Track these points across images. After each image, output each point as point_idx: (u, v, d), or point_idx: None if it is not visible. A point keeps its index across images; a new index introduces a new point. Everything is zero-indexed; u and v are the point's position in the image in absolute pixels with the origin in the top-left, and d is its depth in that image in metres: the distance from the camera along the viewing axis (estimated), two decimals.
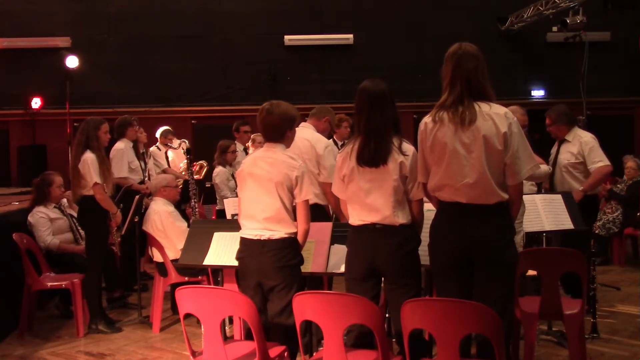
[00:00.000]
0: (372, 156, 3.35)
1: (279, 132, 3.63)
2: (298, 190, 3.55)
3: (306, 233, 3.62)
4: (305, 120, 5.04)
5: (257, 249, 3.55)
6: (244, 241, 3.64)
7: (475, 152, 3.09)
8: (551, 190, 5.45)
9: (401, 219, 3.35)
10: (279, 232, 3.54)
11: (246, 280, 3.67)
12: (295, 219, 3.61)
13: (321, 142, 4.77)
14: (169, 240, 5.44)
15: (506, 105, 3.21)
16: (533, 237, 5.11)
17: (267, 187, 3.56)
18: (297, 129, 4.79)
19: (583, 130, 5.58)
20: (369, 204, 3.38)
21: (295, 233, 3.59)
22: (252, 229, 3.59)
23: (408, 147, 3.36)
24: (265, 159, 3.62)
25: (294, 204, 3.61)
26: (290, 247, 3.56)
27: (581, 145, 5.35)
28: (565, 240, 5.04)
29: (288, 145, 3.73)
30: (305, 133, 4.77)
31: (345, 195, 3.52)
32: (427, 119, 3.25)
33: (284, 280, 3.53)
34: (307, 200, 3.59)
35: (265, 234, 3.55)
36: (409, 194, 3.37)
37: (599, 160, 5.29)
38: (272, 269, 3.52)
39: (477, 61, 3.14)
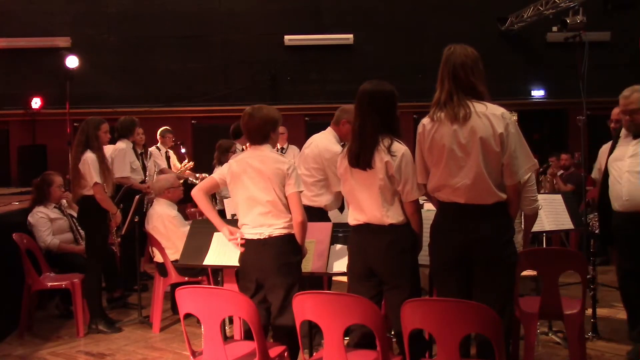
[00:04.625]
0: (356, 158, 3.38)
1: (263, 134, 3.71)
2: (291, 181, 3.59)
3: (302, 225, 3.60)
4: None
5: (258, 247, 3.59)
6: (245, 241, 3.68)
7: (473, 153, 3.10)
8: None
9: (390, 219, 3.35)
10: (278, 227, 3.58)
11: (245, 280, 3.69)
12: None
13: (329, 151, 4.57)
14: (172, 243, 5.43)
15: (506, 106, 3.22)
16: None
17: (261, 184, 3.62)
18: (316, 135, 4.82)
19: None
20: (360, 203, 3.42)
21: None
22: (252, 228, 3.63)
23: (399, 147, 3.34)
24: (255, 157, 3.68)
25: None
26: (289, 244, 3.60)
27: None
28: None
29: (273, 146, 3.80)
30: (320, 139, 4.72)
31: (344, 193, 3.60)
32: (425, 120, 3.28)
33: (283, 278, 3.55)
34: (299, 192, 3.62)
35: (265, 232, 3.59)
36: (402, 195, 3.36)
37: None
38: (272, 267, 3.55)
39: (466, 59, 3.15)
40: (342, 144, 5.90)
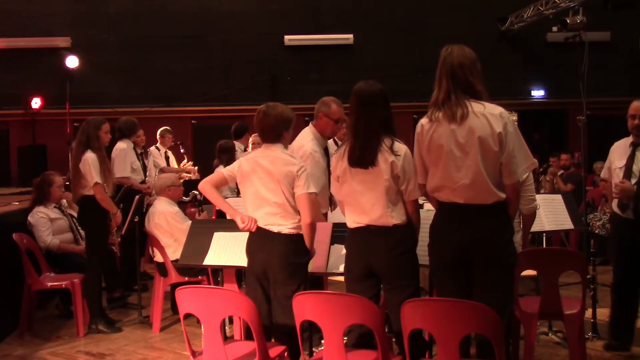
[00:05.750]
0: (359, 157, 3.36)
1: (276, 133, 3.68)
2: (300, 183, 3.56)
3: (310, 227, 3.57)
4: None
5: (268, 239, 3.58)
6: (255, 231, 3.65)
7: (471, 153, 3.09)
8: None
9: (395, 219, 3.35)
10: (287, 227, 3.58)
11: (252, 272, 3.67)
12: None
13: (300, 150, 4.44)
14: (174, 240, 5.43)
15: (505, 106, 3.21)
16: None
17: (270, 185, 3.60)
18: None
19: None
20: (362, 205, 3.40)
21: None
22: (263, 222, 3.62)
23: (400, 147, 3.35)
24: (265, 157, 3.65)
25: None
26: (298, 244, 3.59)
27: None
28: None
29: (285, 145, 3.77)
30: (296, 139, 4.59)
31: (341, 195, 3.54)
32: (423, 120, 3.27)
33: (290, 278, 3.55)
34: (310, 194, 3.56)
35: (274, 228, 3.59)
36: (404, 194, 3.37)
37: None
38: (279, 265, 3.55)
39: (463, 58, 3.15)
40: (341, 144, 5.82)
